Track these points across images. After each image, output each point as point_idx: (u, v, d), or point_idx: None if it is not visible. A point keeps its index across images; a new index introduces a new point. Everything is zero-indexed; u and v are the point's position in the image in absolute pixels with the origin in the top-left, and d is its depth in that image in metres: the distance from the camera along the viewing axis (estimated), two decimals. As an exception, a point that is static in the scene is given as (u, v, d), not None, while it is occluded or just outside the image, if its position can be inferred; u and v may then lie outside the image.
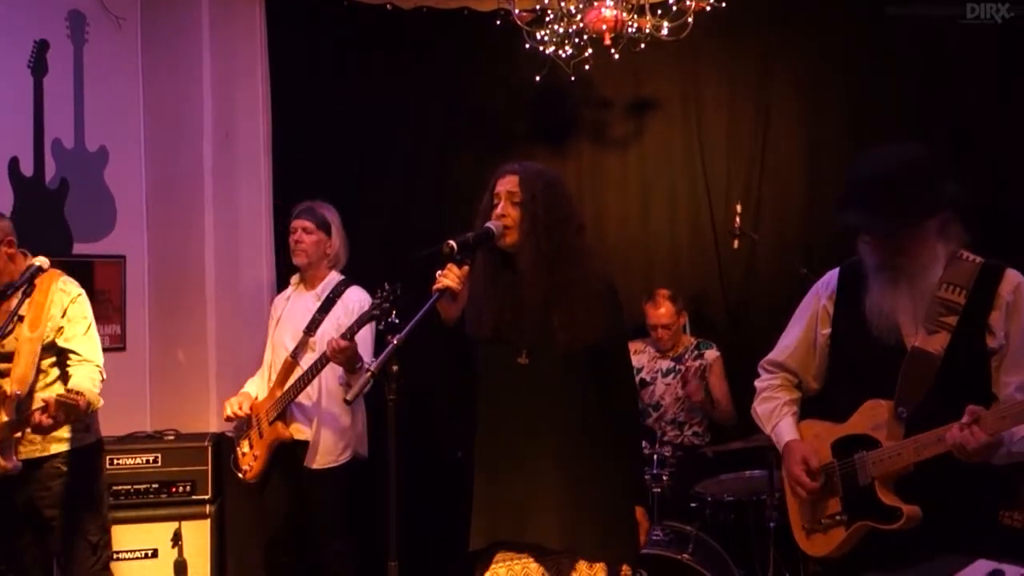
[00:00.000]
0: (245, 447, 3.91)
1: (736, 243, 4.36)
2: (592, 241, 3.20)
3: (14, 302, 3.41)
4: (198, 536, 4.27)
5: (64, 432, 3.46)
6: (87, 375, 3.40)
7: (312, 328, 3.83)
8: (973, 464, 2.17)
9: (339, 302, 3.84)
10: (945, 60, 4.46)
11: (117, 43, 4.65)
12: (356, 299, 3.86)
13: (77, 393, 3.20)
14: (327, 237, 3.94)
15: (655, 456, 3.92)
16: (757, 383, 2.72)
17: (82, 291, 3.55)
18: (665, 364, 4.58)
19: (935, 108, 4.48)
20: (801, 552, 2.60)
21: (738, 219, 4.31)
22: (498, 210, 2.62)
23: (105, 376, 3.47)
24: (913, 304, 2.33)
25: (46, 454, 3.46)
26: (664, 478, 3.86)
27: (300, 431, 3.82)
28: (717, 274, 4.85)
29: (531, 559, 2.59)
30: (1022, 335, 2.28)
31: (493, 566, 2.61)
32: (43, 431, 3.27)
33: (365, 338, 3.79)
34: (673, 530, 3.82)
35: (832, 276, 2.58)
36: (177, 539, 4.23)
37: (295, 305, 3.97)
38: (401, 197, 4.91)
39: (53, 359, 3.47)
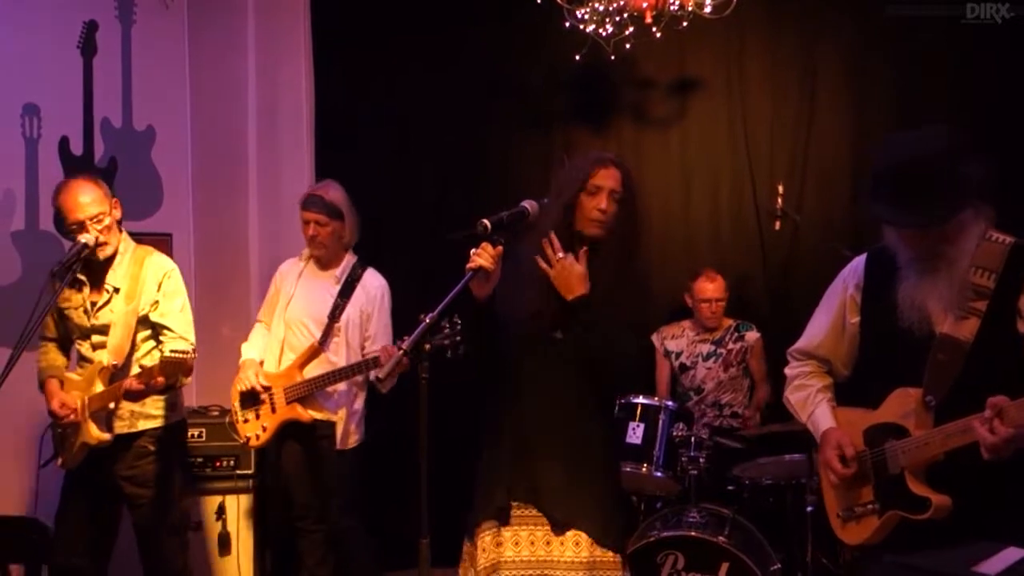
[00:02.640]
0: (250, 415, 3.95)
1: (778, 224, 4.30)
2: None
3: (108, 276, 3.48)
4: (241, 509, 4.35)
5: (152, 409, 3.51)
6: (180, 349, 3.43)
7: (336, 314, 3.88)
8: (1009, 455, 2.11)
9: (359, 287, 3.91)
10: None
11: (164, 23, 4.70)
12: (376, 285, 3.94)
13: (183, 352, 3.24)
14: (341, 224, 3.90)
15: (692, 438, 3.90)
16: (787, 371, 2.69)
17: (175, 266, 3.62)
18: (706, 348, 4.55)
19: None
20: (838, 539, 2.56)
21: (780, 199, 4.25)
22: (602, 204, 2.62)
23: (196, 353, 3.50)
24: (947, 291, 2.26)
25: (134, 430, 3.50)
26: (701, 460, 3.84)
27: (319, 412, 3.89)
28: (760, 255, 4.81)
29: (539, 523, 2.62)
30: None
31: (509, 527, 2.64)
32: (133, 398, 3.34)
33: (387, 324, 3.92)
34: (710, 512, 3.80)
35: (859, 264, 2.53)
36: (221, 512, 4.32)
37: (312, 286, 3.97)
38: (442, 175, 4.92)
39: (148, 332, 3.53)
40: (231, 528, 4.32)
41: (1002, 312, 2.22)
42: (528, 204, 2.62)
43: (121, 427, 3.48)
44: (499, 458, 2.69)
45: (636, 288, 2.68)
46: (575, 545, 2.59)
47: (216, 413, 4.48)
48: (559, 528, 2.61)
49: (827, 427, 2.50)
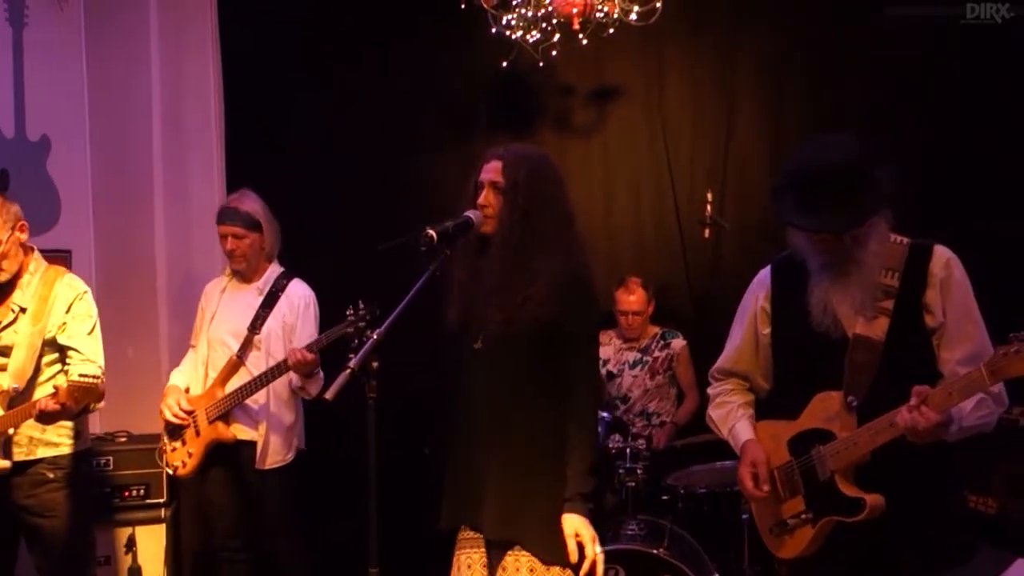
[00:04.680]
0: (176, 444, 3.78)
1: (707, 232, 4.32)
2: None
3: (14, 295, 3.26)
4: (153, 541, 4.12)
5: (53, 436, 3.31)
6: (90, 374, 3.22)
7: (256, 325, 3.73)
8: (929, 446, 2.18)
9: (282, 297, 3.77)
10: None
11: (59, 25, 4.42)
12: (300, 294, 3.79)
13: (93, 376, 3.05)
14: (259, 235, 3.76)
15: (628, 450, 3.86)
16: (709, 390, 2.71)
17: (88, 289, 3.40)
18: (632, 356, 4.53)
19: (921, 104, 4.47)
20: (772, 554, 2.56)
21: (709, 207, 4.26)
22: (480, 199, 2.58)
23: (105, 379, 3.31)
24: (859, 294, 2.32)
25: (32, 458, 3.28)
26: (638, 472, 3.80)
27: (243, 431, 3.72)
28: (682, 263, 4.82)
29: (479, 547, 2.57)
30: (957, 310, 2.29)
31: (456, 552, 2.61)
32: (46, 419, 3.12)
33: (313, 335, 3.72)
34: (647, 524, 3.77)
35: (765, 275, 2.57)
36: (131, 545, 4.08)
37: (234, 299, 3.83)
38: (360, 184, 4.76)
39: (54, 356, 3.32)
40: (142, 560, 4.08)
41: (909, 309, 2.31)
42: (472, 214, 2.57)
43: (19, 454, 3.26)
44: (448, 481, 2.64)
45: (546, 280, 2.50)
46: (530, 571, 2.49)
47: (124, 439, 4.25)
48: (500, 548, 2.52)
49: (746, 439, 2.53)
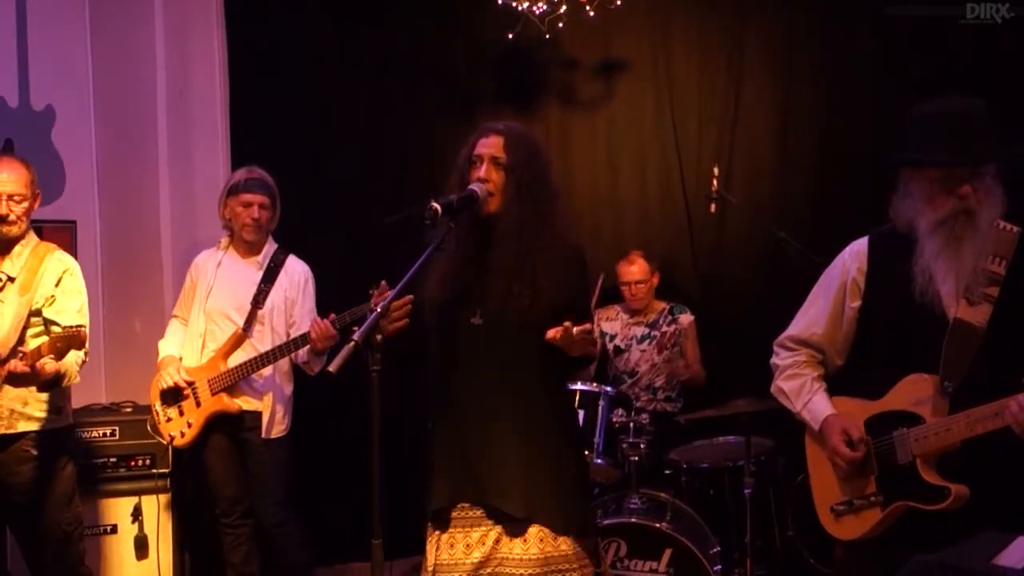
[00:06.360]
0: (172, 413, 3.80)
1: (713, 207, 4.29)
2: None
3: (3, 264, 3.27)
4: (158, 510, 4.13)
5: (35, 411, 3.30)
6: (74, 324, 3.24)
7: (260, 300, 3.77)
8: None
9: (282, 272, 3.81)
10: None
11: (63, -6, 4.40)
12: (300, 270, 3.86)
13: (78, 325, 3.06)
14: (276, 209, 3.83)
15: (631, 424, 3.87)
16: (777, 360, 2.59)
17: (78, 265, 3.42)
18: (640, 331, 4.52)
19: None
20: (829, 535, 2.47)
21: (715, 182, 4.24)
22: (480, 173, 2.54)
23: (88, 359, 3.33)
24: (968, 265, 2.23)
25: (12, 431, 3.27)
26: (642, 446, 3.81)
27: (248, 402, 3.76)
28: (687, 237, 4.80)
29: (488, 523, 2.54)
30: None
31: (451, 529, 2.57)
32: (16, 382, 3.11)
33: (312, 310, 3.80)
34: (650, 498, 3.78)
35: (861, 246, 2.46)
36: (137, 514, 4.10)
37: (233, 274, 3.84)
38: (363, 158, 4.75)
39: (40, 328, 3.31)
40: (148, 530, 4.11)
41: (1015, 298, 2.21)
42: (477, 187, 2.54)
43: None
44: (440, 458, 2.62)
45: (552, 264, 2.52)
46: (528, 541, 2.49)
47: (129, 410, 4.25)
48: (517, 524, 2.51)
49: (827, 414, 2.43)
